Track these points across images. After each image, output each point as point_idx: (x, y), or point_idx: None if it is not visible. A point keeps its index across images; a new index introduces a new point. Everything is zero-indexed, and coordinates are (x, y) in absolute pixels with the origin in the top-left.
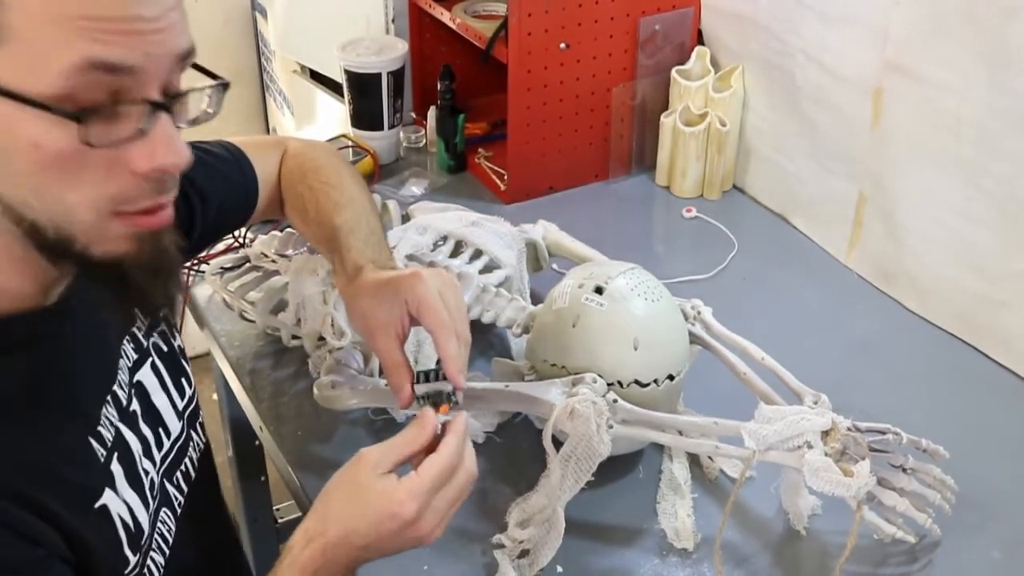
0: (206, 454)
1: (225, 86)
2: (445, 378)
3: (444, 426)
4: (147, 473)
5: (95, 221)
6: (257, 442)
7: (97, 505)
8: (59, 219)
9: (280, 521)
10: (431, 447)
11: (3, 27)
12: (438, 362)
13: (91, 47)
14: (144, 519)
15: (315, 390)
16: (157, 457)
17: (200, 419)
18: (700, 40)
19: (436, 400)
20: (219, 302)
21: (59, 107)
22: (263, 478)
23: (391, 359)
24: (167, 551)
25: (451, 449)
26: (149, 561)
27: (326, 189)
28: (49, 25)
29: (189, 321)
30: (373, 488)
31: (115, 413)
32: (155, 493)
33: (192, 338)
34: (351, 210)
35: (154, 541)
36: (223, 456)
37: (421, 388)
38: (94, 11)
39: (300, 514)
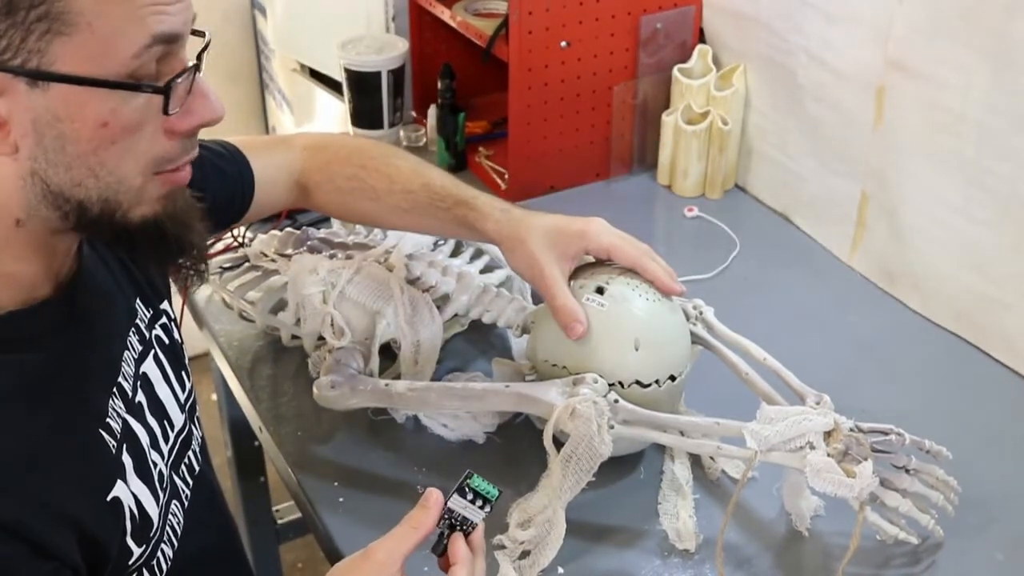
0: (203, 447)
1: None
2: (480, 505)
3: (455, 541)
4: (155, 465)
5: (141, 185)
6: (256, 443)
7: (109, 497)
8: (110, 191)
9: (280, 522)
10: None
11: (71, 15)
12: (466, 484)
13: (154, 24)
14: (154, 511)
15: (315, 390)
16: (164, 449)
17: (197, 413)
18: (702, 38)
19: (463, 525)
20: (218, 302)
21: (146, 84)
22: (263, 479)
23: (562, 299)
24: (176, 543)
25: None
26: (159, 553)
27: (385, 160)
28: (114, 7)
29: (188, 321)
30: None
31: (121, 405)
32: (164, 485)
33: (191, 338)
34: (432, 169)
35: (165, 533)
36: (222, 457)
37: (457, 503)
38: None
39: (299, 515)
